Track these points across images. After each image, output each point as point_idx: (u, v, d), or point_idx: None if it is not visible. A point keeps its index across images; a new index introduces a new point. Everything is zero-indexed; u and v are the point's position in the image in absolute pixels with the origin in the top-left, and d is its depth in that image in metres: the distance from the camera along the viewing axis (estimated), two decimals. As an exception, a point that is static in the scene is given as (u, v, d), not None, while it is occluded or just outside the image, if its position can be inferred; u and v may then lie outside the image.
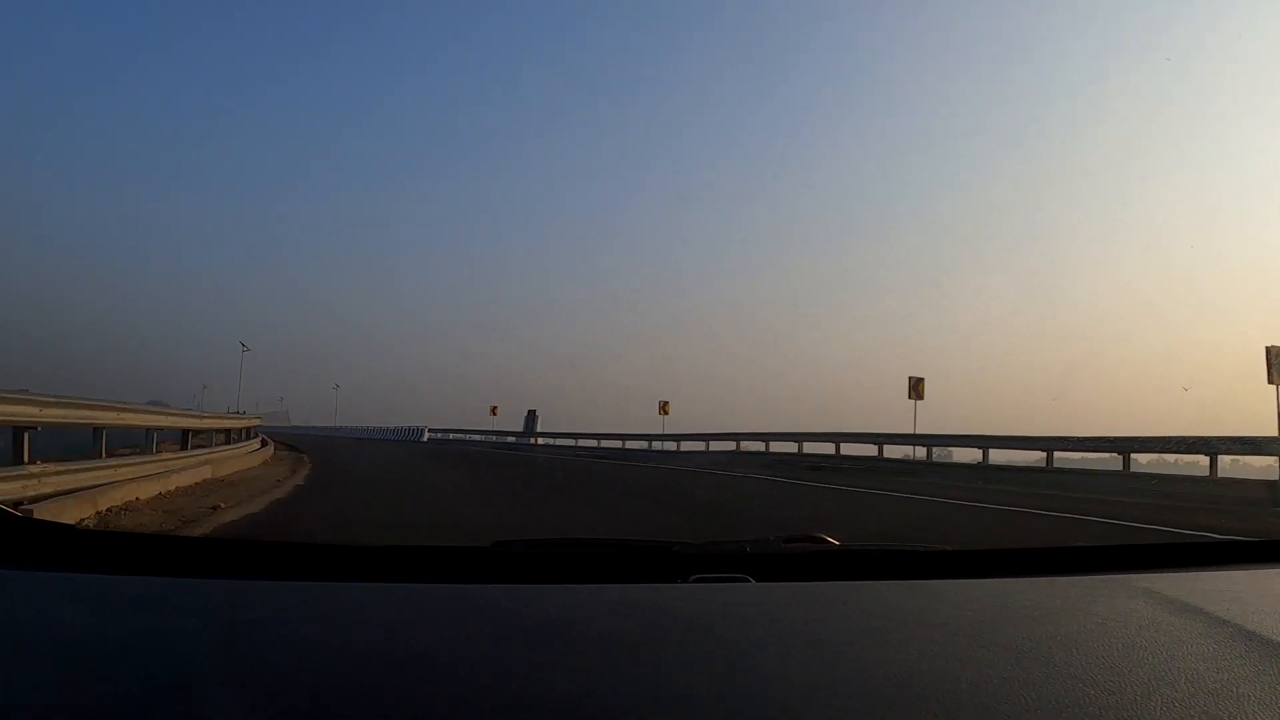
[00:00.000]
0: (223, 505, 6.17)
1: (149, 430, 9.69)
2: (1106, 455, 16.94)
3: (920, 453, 18.66)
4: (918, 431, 18.74)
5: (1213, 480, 13.92)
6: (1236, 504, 10.90)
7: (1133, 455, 17.00)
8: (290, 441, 21.96)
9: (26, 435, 6.34)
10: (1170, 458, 16.87)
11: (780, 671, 0.77)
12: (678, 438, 27.21)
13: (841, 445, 19.29)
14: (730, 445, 22.90)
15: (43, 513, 2.99)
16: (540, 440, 37.92)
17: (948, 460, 16.45)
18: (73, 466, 5.80)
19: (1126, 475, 15.30)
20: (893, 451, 18.87)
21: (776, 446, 20.55)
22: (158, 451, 9.55)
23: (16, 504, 2.87)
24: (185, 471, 7.45)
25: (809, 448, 19.64)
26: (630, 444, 28.18)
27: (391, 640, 0.82)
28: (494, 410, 46.90)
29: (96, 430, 7.55)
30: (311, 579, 1.01)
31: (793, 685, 0.74)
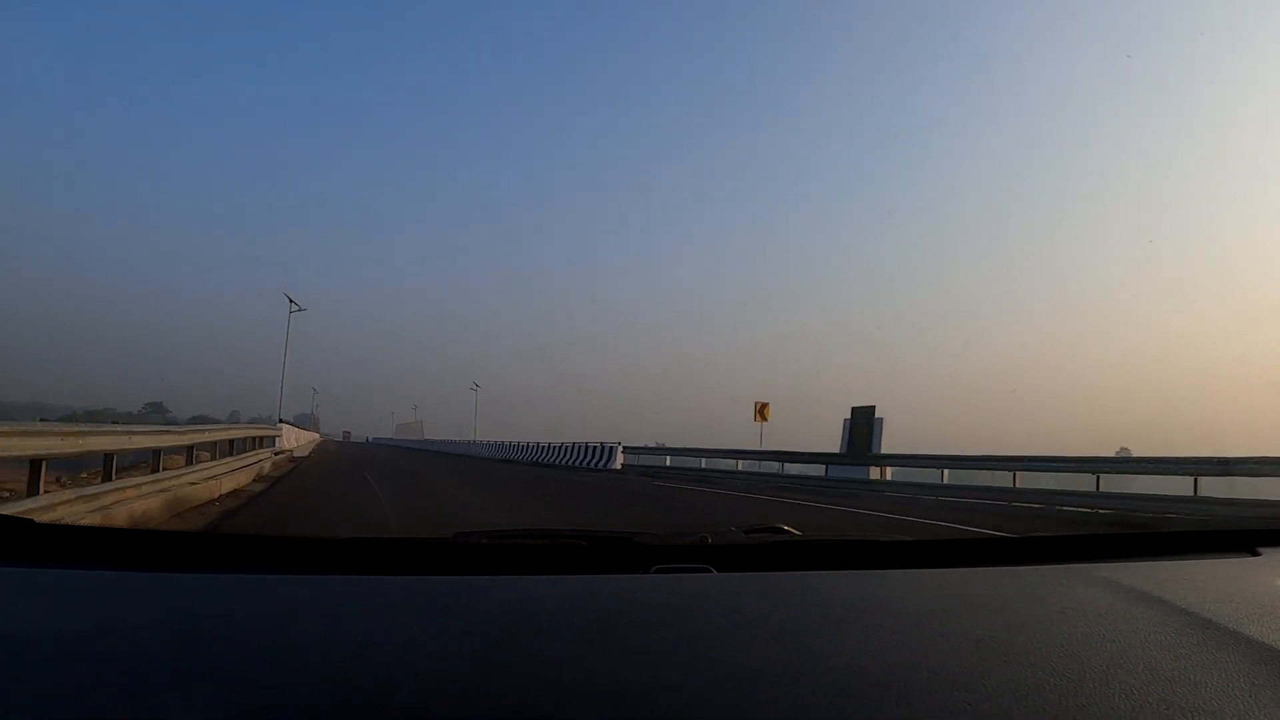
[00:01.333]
0: None
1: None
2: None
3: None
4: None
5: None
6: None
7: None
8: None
9: None
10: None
11: (741, 661, 0.74)
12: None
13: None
14: None
15: None
16: (888, 473, 19.78)
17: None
18: None
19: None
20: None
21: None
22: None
23: None
24: None
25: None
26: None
27: (350, 632, 0.79)
28: (762, 411, 24.93)
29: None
30: (269, 572, 0.99)
31: (753, 674, 0.71)
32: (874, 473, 19.42)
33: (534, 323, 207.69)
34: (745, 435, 23.41)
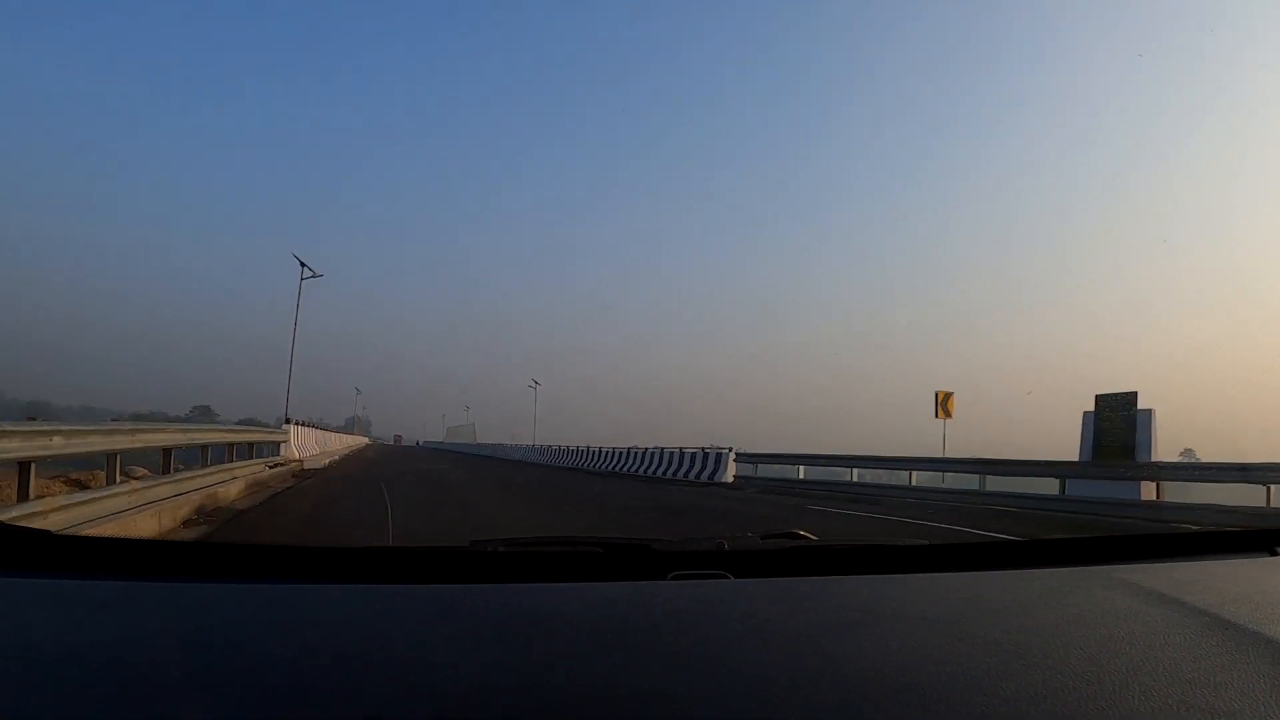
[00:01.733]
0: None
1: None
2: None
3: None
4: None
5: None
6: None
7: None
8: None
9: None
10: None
11: (758, 667, 0.77)
12: None
13: None
14: None
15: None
16: (1164, 490, 13.68)
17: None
18: None
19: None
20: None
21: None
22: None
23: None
24: None
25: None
26: None
27: (365, 641, 0.81)
28: (945, 405, 18.57)
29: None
30: (285, 581, 1.02)
31: (770, 680, 0.73)
32: (1145, 490, 13.93)
33: (605, 315, 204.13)
34: (897, 439, 17.03)
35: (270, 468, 15.38)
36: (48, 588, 0.89)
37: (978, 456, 17.25)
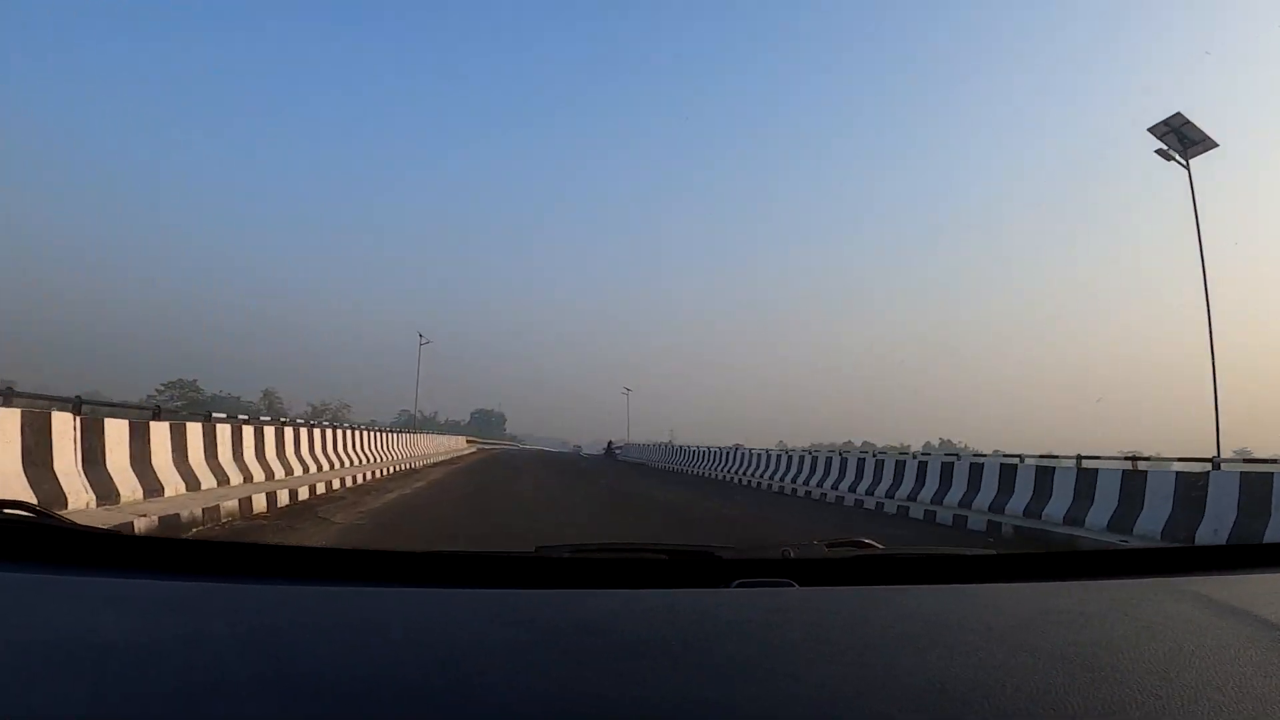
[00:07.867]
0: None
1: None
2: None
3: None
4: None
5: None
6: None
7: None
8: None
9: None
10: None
11: (822, 676, 0.81)
12: None
13: None
14: None
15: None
16: None
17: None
18: None
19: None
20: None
21: None
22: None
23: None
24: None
25: None
26: None
27: (430, 644, 0.87)
28: None
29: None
30: (351, 583, 1.09)
31: (835, 690, 0.78)
32: None
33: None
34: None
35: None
36: (117, 587, 0.93)
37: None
